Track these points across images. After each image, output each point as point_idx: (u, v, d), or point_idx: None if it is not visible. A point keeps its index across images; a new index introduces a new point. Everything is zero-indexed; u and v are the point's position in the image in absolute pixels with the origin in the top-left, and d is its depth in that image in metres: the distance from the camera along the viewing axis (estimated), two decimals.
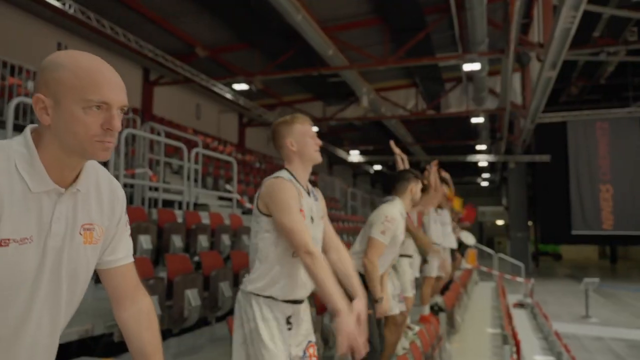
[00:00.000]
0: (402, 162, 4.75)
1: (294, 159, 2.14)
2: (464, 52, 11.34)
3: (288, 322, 2.01)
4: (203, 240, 4.52)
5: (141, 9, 10.48)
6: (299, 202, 2.04)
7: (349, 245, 7.50)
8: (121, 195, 1.20)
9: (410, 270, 4.54)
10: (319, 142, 2.18)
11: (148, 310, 1.26)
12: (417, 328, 5.25)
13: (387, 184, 27.04)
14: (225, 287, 3.57)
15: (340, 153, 21.39)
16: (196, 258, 4.36)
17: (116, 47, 11.47)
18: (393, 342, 4.07)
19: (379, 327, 3.33)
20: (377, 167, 27.30)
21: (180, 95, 15.20)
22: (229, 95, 13.72)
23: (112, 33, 9.71)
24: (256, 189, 10.25)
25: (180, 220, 4.81)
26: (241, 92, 14.21)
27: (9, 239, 0.95)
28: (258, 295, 2.00)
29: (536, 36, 10.87)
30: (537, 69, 11.18)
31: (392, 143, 5.14)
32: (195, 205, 6.50)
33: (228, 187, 7.79)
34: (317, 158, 2.17)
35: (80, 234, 1.07)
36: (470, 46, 10.63)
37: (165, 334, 3.35)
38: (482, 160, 21.56)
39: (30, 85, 6.72)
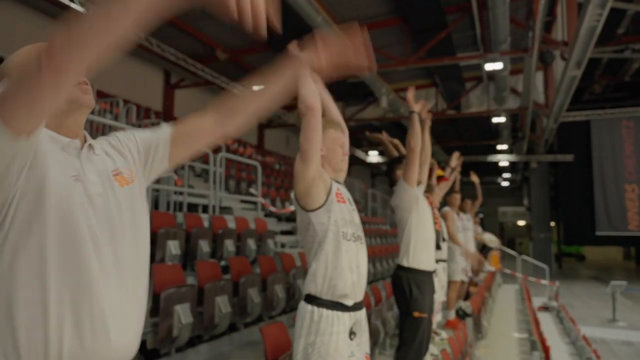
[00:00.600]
0: (397, 147, 4.32)
1: (322, 164, 2.13)
2: (486, 52, 11.20)
3: (352, 333, 1.99)
4: (229, 245, 4.53)
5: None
6: (327, 180, 2.06)
7: (382, 249, 7.44)
8: (122, 134, 1.27)
9: (444, 275, 4.52)
10: (347, 152, 2.20)
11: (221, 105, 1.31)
12: (443, 333, 5.20)
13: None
14: (254, 293, 3.57)
15: (359, 154, 21.32)
16: (223, 263, 4.38)
17: (138, 50, 11.60)
18: None
19: (428, 330, 3.33)
20: None
21: (200, 98, 15.31)
22: None
23: (134, 37, 9.82)
24: (277, 191, 10.19)
25: (206, 224, 4.83)
26: None
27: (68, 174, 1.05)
28: (320, 305, 1.97)
29: (560, 34, 10.69)
30: (561, 68, 11.00)
31: (370, 135, 4.53)
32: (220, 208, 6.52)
33: (252, 190, 7.82)
34: (342, 168, 2.18)
35: (113, 180, 1.15)
36: (492, 45, 10.49)
37: (195, 341, 3.37)
38: (503, 160, 21.30)
39: None
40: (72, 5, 7.96)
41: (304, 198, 2.02)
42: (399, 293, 3.30)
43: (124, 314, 1.07)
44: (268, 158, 14.43)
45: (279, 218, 8.41)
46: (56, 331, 0.97)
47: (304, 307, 2.00)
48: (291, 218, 8.65)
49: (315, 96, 1.88)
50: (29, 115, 0.90)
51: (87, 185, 1.07)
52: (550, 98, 13.11)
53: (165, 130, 1.28)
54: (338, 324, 1.95)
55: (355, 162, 24.75)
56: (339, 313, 1.97)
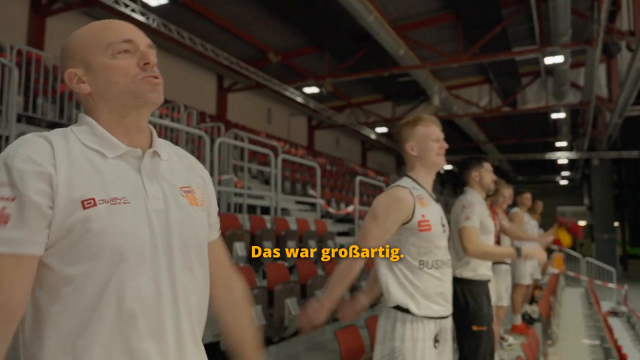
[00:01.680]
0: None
1: (416, 164, 2.07)
2: (544, 45, 10.74)
3: (436, 341, 1.94)
4: (292, 246, 4.56)
5: (216, 19, 10.83)
6: (408, 213, 1.96)
7: None
8: (199, 165, 1.13)
9: (507, 278, 4.34)
10: (445, 145, 2.06)
11: (243, 298, 1.20)
12: (511, 339, 5.02)
13: (457, 183, 26.32)
14: (320, 295, 3.55)
15: None
16: (286, 264, 4.40)
17: (193, 56, 11.93)
18: None
19: (490, 341, 3.17)
20: (447, 167, 26.59)
21: (252, 100, 15.57)
22: (299, 99, 13.88)
23: (190, 43, 10.10)
24: (331, 191, 10.15)
25: (269, 226, 4.88)
26: (311, 95, 14.33)
27: (92, 199, 0.87)
28: (404, 312, 1.93)
29: (625, 24, 10.12)
30: (626, 59, 10.40)
31: None
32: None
33: (312, 192, 7.86)
34: (440, 162, 2.05)
35: (182, 195, 0.99)
36: (552, 38, 10.06)
37: (263, 343, 3.39)
38: (563, 158, 20.38)
39: None
40: (133, 15, 8.27)
41: None
42: (454, 306, 3.11)
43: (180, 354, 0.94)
44: (319, 159, 14.48)
45: (333, 219, 8.41)
46: None
47: (388, 311, 1.96)
48: (345, 219, 8.62)
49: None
50: None
51: (144, 202, 0.93)
52: (615, 91, 12.45)
53: (214, 233, 1.14)
54: (424, 331, 1.90)
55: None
56: (425, 320, 1.92)
